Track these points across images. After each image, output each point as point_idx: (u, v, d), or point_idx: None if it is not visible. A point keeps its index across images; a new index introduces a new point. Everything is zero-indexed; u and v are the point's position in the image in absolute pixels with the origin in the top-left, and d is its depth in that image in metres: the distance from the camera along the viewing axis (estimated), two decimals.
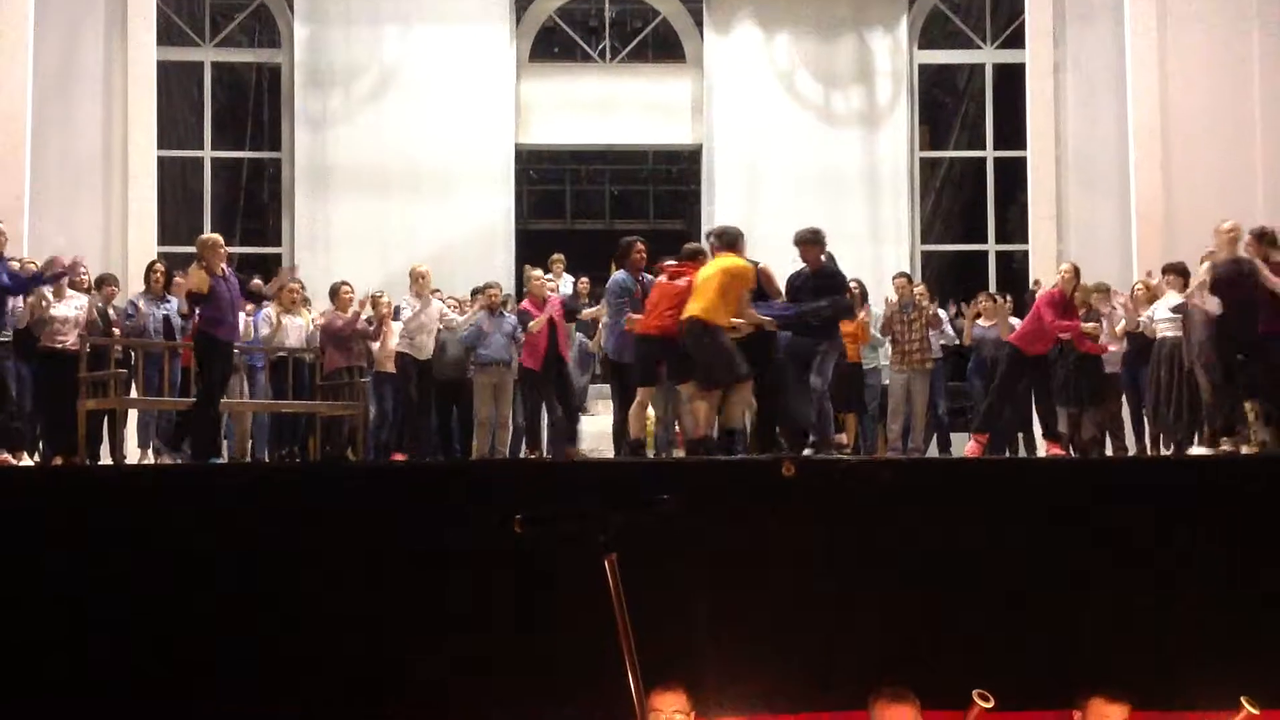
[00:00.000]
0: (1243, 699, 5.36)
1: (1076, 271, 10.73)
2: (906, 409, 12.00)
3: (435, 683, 5.88)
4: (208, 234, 10.01)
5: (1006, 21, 17.71)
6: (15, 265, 10.13)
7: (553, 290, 12.50)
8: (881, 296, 12.82)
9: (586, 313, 11.87)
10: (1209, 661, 5.60)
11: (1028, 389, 10.72)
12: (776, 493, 6.13)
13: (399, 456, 11.14)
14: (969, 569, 6.09)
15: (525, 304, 11.34)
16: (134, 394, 10.77)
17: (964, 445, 13.00)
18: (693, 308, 8.87)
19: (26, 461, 9.62)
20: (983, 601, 6.08)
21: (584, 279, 14.67)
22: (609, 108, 17.77)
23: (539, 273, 12.02)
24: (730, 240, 9.32)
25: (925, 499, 6.33)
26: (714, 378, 8.90)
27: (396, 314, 11.55)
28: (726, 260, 9.08)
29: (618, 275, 10.15)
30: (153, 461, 10.73)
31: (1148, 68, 15.13)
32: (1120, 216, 15.33)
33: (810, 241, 9.50)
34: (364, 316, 11.42)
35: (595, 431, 11.99)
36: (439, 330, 11.65)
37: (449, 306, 12.09)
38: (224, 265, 9.53)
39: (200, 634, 5.89)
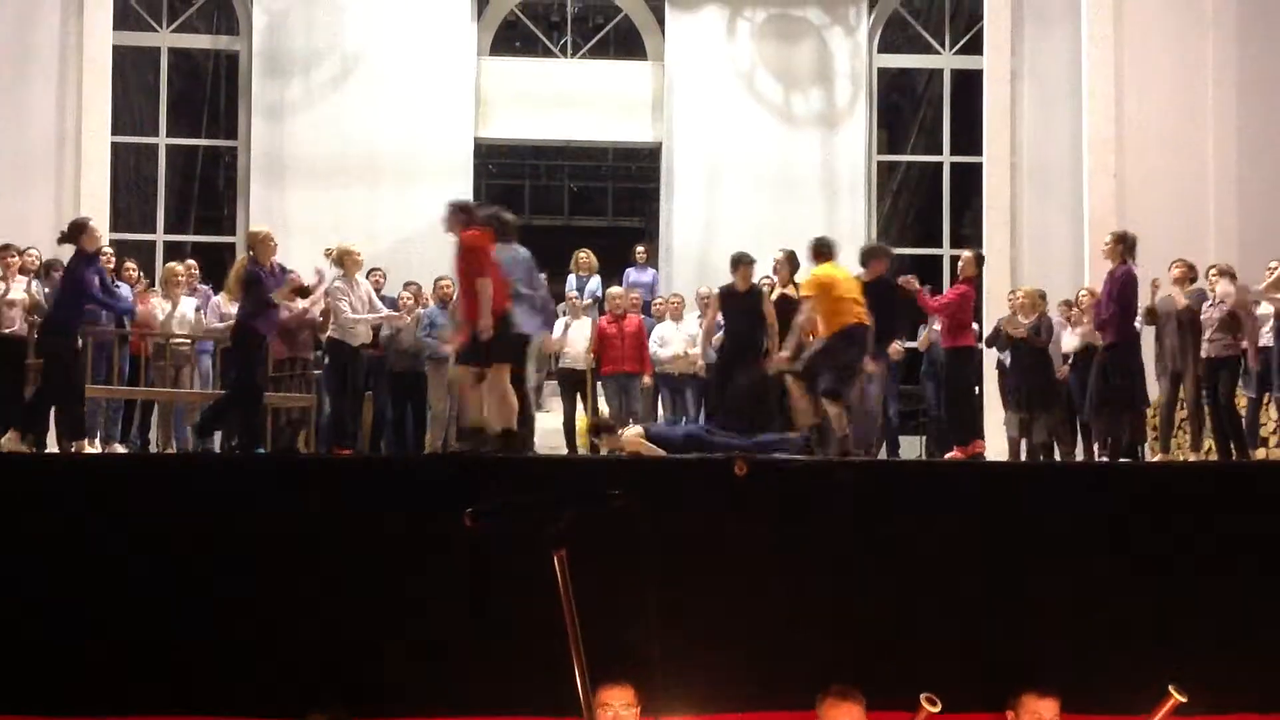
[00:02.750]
0: (1170, 687, 5.43)
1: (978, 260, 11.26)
2: None
3: (382, 679, 5.86)
4: (260, 228, 10.13)
5: (965, 27, 17.80)
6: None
7: None
8: None
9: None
10: (1146, 667, 5.66)
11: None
12: (728, 492, 6.15)
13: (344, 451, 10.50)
14: (919, 571, 6.14)
15: None
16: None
17: (914, 448, 13.07)
18: None
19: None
20: (933, 604, 6.12)
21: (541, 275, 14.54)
22: (569, 103, 17.69)
23: None
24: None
25: (876, 501, 6.36)
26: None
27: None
28: None
29: None
30: (100, 451, 10.60)
31: (1103, 77, 15.28)
32: (1073, 224, 15.47)
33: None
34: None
35: (548, 429, 11.94)
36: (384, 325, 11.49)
37: (400, 297, 12.00)
38: (274, 260, 9.72)
39: (151, 623, 5.85)
